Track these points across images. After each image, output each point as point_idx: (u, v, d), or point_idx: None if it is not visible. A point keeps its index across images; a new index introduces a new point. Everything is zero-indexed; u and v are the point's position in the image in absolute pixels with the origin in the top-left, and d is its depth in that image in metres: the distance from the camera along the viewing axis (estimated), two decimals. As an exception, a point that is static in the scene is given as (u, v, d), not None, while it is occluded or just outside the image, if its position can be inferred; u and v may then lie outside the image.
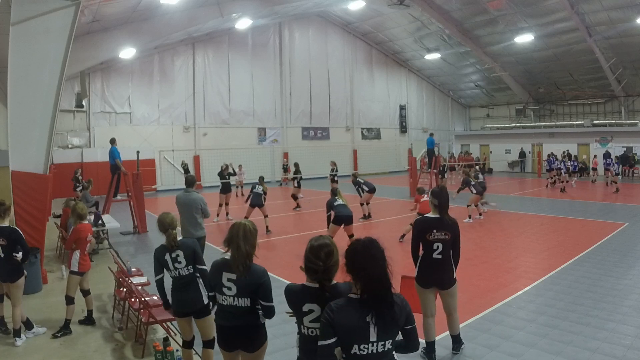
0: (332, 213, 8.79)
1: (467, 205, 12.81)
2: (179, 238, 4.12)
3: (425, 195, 10.07)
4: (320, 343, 2.34)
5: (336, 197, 8.90)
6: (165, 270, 4.07)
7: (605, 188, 20.11)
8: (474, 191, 12.74)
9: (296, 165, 17.55)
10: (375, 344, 2.31)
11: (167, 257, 4.00)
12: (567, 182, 19.82)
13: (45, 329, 5.46)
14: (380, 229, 12.04)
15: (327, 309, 2.36)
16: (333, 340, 2.31)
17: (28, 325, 5.32)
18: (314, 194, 20.05)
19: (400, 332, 2.43)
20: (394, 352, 2.43)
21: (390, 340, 2.36)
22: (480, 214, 13.13)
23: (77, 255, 5.54)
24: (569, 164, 20.34)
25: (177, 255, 3.98)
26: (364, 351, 2.31)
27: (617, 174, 19.33)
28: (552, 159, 23.30)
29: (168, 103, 23.68)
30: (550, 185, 21.76)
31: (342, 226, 8.70)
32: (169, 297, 4.13)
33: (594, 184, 22.22)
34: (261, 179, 12.34)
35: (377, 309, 2.30)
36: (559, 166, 23.00)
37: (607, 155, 21.82)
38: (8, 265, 5.19)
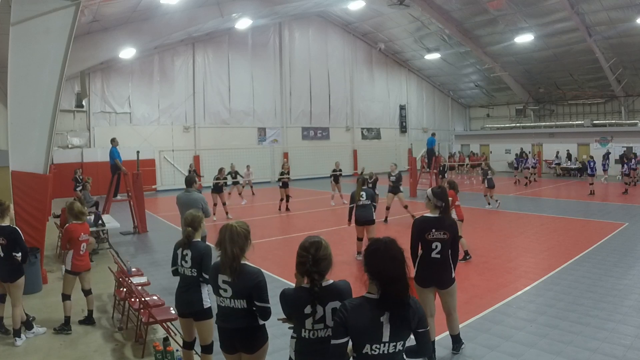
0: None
1: (485, 195, 15.18)
2: (197, 240, 4.08)
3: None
4: (332, 342, 2.35)
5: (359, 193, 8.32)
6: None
7: (619, 188, 19.61)
8: (487, 185, 15.08)
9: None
10: (387, 344, 2.31)
11: (179, 252, 4.03)
12: (593, 183, 18.48)
13: (45, 329, 5.46)
14: (378, 229, 12.02)
15: (341, 308, 2.36)
16: (345, 339, 2.32)
17: (28, 325, 5.32)
18: (314, 194, 20.06)
19: (412, 335, 2.43)
20: (404, 354, 2.43)
21: (402, 342, 2.36)
22: (489, 203, 14.97)
23: (70, 255, 5.56)
24: (604, 163, 19.57)
25: (186, 255, 3.98)
26: (375, 351, 2.31)
27: (626, 174, 19.11)
28: (518, 158, 23.33)
29: (168, 103, 23.68)
30: (527, 183, 21.89)
31: (363, 227, 8.30)
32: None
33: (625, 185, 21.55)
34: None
35: (394, 309, 2.30)
36: (527, 165, 23.03)
37: (606, 155, 21.82)
38: (8, 265, 5.20)
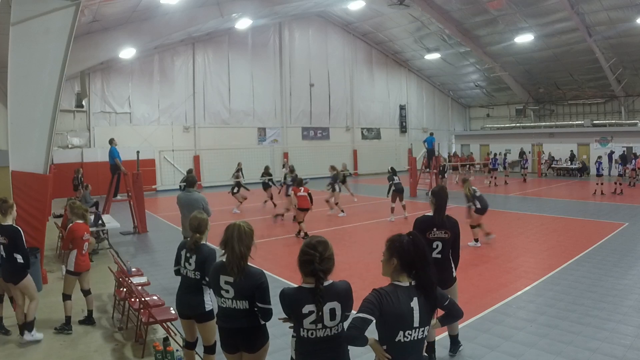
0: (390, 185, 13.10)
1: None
2: (203, 242, 4.02)
3: (302, 189, 11.13)
4: (360, 315, 2.40)
5: (394, 176, 13.39)
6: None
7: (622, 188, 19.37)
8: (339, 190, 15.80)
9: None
10: (417, 330, 2.44)
11: (183, 253, 4.01)
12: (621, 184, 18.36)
13: (42, 335, 5.40)
14: (377, 230, 12.02)
15: (375, 291, 2.46)
16: (373, 319, 2.40)
17: (28, 325, 5.30)
18: (314, 195, 19.98)
19: (442, 310, 2.69)
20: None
21: (427, 327, 2.51)
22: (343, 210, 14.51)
23: (74, 255, 5.53)
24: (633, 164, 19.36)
25: (190, 257, 3.95)
26: (407, 338, 2.42)
27: (619, 175, 19.05)
28: (493, 159, 23.61)
29: (168, 103, 23.67)
30: (494, 184, 22.15)
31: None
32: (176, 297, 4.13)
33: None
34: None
35: (426, 293, 2.47)
36: (495, 167, 23.27)
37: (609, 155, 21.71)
38: (10, 266, 5.14)
